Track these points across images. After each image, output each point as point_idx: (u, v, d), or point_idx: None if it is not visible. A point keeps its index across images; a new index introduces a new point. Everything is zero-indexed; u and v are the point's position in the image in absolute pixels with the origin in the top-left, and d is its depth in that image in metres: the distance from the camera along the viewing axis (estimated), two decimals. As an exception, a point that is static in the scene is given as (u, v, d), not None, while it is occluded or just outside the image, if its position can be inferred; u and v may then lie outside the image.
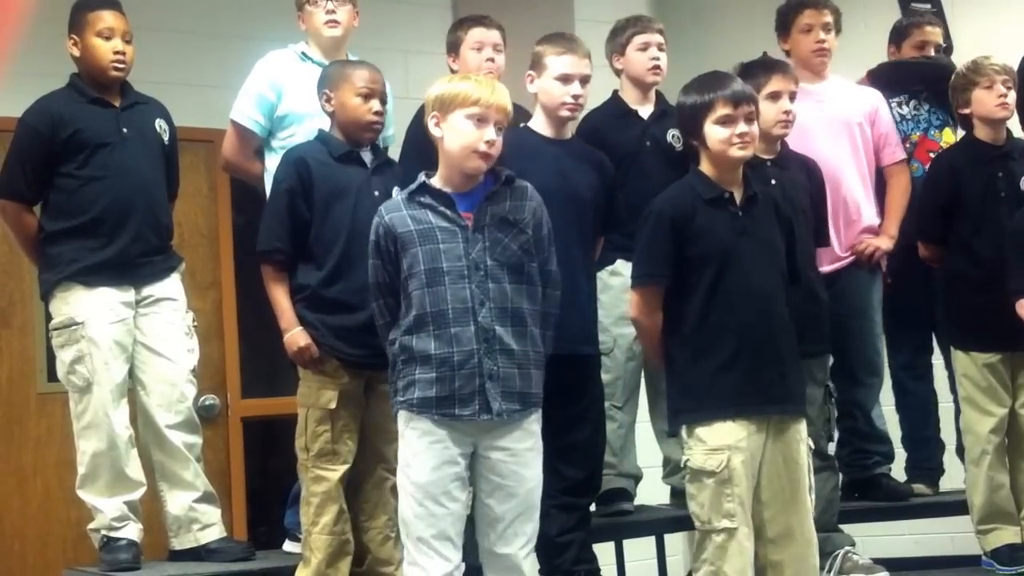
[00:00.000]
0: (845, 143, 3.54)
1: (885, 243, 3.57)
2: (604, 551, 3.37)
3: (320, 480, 2.75)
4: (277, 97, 3.18)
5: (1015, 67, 3.44)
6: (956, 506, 3.49)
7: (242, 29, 4.06)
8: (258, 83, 3.21)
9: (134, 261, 3.09)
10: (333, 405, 2.76)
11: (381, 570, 2.82)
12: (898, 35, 3.88)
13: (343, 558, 2.76)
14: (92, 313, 3.02)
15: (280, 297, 2.84)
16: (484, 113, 2.57)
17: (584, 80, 3.06)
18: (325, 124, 2.98)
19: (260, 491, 4.15)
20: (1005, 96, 3.35)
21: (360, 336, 2.76)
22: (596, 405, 3.08)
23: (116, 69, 3.11)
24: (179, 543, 3.11)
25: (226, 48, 3.52)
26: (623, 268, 3.26)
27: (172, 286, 3.18)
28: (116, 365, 3.03)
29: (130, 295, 3.09)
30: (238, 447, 4.16)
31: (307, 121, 3.12)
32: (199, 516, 3.10)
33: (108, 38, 3.10)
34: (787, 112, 3.14)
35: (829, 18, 3.61)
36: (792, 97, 3.17)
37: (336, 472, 2.76)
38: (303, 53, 3.23)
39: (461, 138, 2.57)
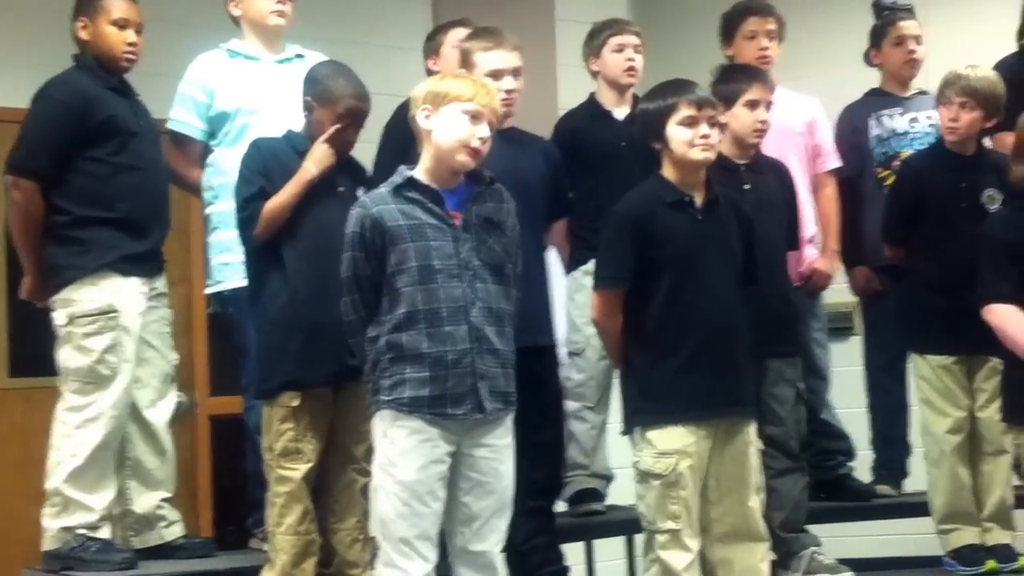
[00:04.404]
0: (791, 151, 3.54)
1: (832, 265, 3.60)
2: (574, 551, 3.38)
3: (284, 480, 2.73)
4: (210, 97, 3.18)
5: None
6: (919, 507, 3.51)
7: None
8: (188, 86, 3.20)
9: (159, 253, 3.06)
10: (296, 403, 2.73)
11: (349, 572, 2.80)
12: (876, 36, 3.87)
13: (309, 558, 2.74)
14: (127, 302, 2.97)
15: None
16: (478, 110, 2.56)
17: (515, 73, 3.02)
18: (268, 119, 2.98)
19: (228, 490, 4.12)
20: (956, 119, 3.34)
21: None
22: (556, 401, 3.05)
23: (127, 60, 3.06)
24: (141, 542, 3.07)
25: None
26: (597, 268, 3.25)
27: (163, 281, 3.15)
28: (134, 357, 2.98)
29: (147, 287, 3.04)
30: (206, 445, 4.13)
31: (241, 117, 3.13)
32: (166, 514, 3.09)
33: (123, 27, 3.03)
34: (763, 121, 3.18)
35: (773, 26, 3.62)
36: (768, 107, 3.19)
37: (299, 471, 2.73)
38: (230, 50, 3.23)
39: (454, 132, 2.55)
